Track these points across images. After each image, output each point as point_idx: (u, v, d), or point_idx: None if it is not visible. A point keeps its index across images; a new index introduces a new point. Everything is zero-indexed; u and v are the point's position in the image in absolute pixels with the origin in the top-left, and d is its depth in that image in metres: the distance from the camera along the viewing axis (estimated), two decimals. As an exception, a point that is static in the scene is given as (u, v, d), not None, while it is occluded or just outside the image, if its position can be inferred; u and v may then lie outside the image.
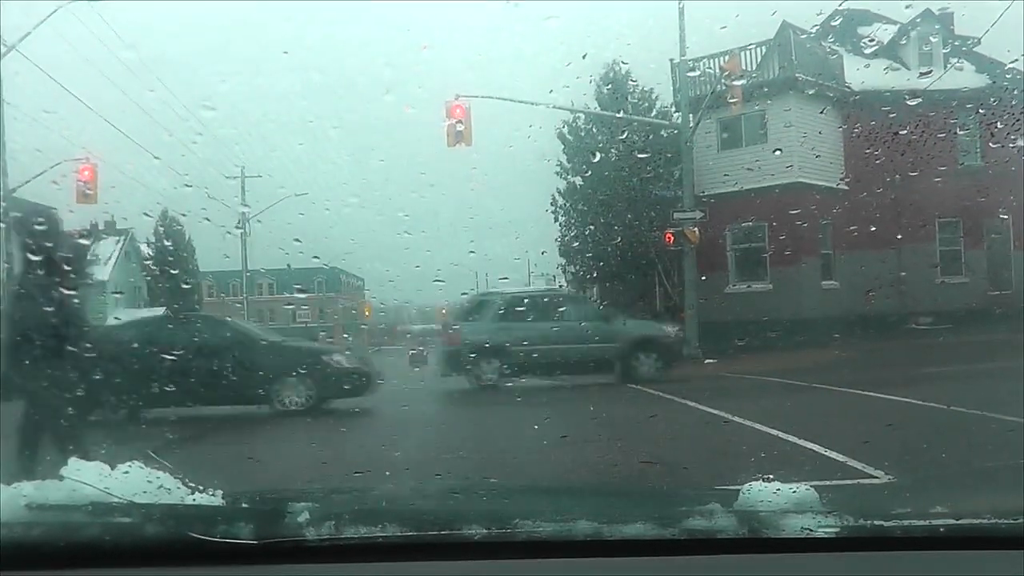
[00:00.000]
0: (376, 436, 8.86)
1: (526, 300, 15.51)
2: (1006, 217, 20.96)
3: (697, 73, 22.03)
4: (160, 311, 25.68)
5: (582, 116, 24.64)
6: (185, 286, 40.74)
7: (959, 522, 1.62)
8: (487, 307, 15.11)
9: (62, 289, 5.66)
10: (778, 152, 20.49)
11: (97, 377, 9.52)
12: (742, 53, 21.88)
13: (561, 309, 15.51)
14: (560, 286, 38.61)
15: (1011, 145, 17.31)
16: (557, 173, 25.78)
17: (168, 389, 9.37)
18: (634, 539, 1.58)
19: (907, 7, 23.80)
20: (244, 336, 12.00)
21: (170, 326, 12.63)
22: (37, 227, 5.63)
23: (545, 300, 16.07)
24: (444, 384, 14.16)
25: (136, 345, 10.36)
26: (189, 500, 1.84)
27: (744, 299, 20.96)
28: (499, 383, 13.62)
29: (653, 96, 25.24)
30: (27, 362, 5.80)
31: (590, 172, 23.82)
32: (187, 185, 22.72)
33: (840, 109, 21.88)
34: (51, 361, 5.82)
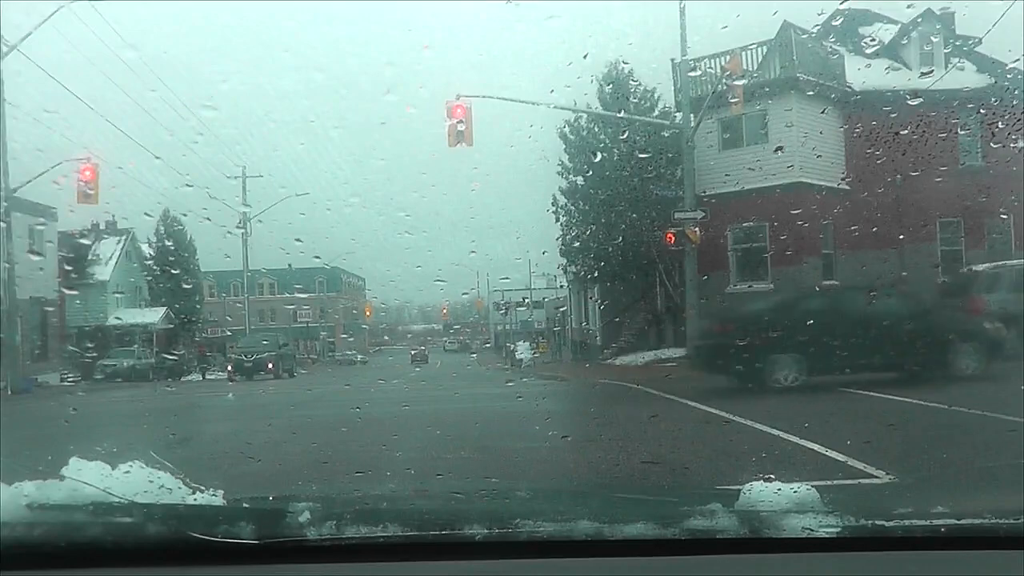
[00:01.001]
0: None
1: None
2: (1007, 217, 20.90)
3: (698, 73, 22.01)
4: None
5: (583, 116, 24.62)
6: (186, 286, 40.75)
7: (959, 522, 1.62)
8: (1003, 279, 15.81)
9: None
10: (779, 152, 20.45)
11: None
12: (743, 53, 21.85)
13: None
14: (561, 286, 38.66)
15: (1012, 145, 17.32)
16: (558, 173, 25.79)
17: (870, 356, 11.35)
18: (635, 539, 1.58)
19: (908, 7, 23.85)
20: (921, 305, 13.47)
21: (863, 297, 13.55)
22: None
23: None
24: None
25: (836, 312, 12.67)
26: (190, 500, 1.84)
27: (745, 299, 20.94)
28: None
29: (655, 96, 25.24)
30: None
31: (591, 172, 23.81)
32: (188, 185, 22.87)
33: (841, 109, 21.85)
34: None
